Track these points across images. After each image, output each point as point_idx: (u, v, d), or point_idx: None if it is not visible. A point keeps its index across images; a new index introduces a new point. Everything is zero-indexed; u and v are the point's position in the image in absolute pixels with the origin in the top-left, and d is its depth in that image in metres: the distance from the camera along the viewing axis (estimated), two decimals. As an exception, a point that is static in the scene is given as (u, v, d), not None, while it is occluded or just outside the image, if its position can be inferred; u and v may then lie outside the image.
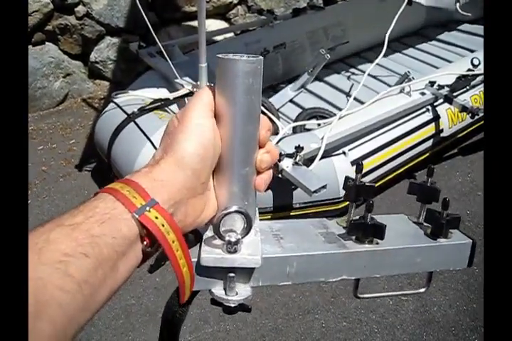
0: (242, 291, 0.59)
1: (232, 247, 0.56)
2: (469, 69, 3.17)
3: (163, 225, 0.50)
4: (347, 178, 0.69)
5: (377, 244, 0.64)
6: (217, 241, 0.58)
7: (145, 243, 0.50)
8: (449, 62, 3.84)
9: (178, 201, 0.53)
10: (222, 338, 2.29)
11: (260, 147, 0.59)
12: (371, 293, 0.73)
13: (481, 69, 3.17)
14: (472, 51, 3.86)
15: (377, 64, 3.29)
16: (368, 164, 2.71)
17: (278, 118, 3.17)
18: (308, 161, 2.40)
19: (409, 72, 3.14)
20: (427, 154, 3.09)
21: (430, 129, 3.02)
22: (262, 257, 0.57)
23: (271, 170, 0.61)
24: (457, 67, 3.27)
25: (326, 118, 3.02)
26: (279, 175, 2.42)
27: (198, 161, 0.54)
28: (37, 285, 0.41)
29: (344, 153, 2.63)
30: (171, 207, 0.52)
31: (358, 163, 0.71)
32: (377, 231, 0.63)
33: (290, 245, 0.62)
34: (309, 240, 0.64)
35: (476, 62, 3.17)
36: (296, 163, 2.33)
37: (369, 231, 0.63)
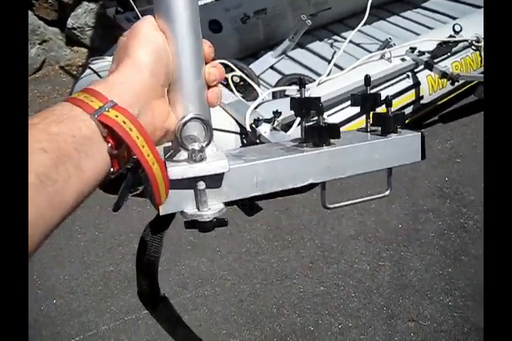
0: (214, 206, 0.60)
1: (197, 155, 0.57)
2: (451, 36, 3.15)
3: (124, 122, 0.49)
4: (291, 98, 0.73)
5: (334, 145, 0.67)
6: (181, 156, 0.59)
7: (110, 144, 0.49)
8: (431, 29, 3.80)
9: (140, 102, 0.53)
10: (201, 303, 2.31)
11: (206, 63, 0.61)
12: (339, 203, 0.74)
13: (462, 36, 3.14)
14: (454, 18, 3.82)
15: (359, 31, 3.26)
16: (347, 130, 2.70)
17: (258, 84, 3.14)
18: (287, 127, 2.39)
19: (390, 38, 3.12)
20: (407, 121, 3.09)
21: (410, 96, 3.00)
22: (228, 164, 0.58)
23: (220, 86, 0.63)
24: (438, 34, 3.24)
25: (306, 84, 2.99)
26: (257, 140, 2.41)
27: (154, 62, 0.55)
28: None
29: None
30: (134, 108, 0.52)
31: (300, 78, 0.78)
32: (333, 130, 0.66)
33: (253, 158, 0.64)
34: (270, 153, 0.66)
35: (457, 28, 3.15)
36: (274, 129, 2.31)
37: (324, 132, 0.66)
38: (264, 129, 2.34)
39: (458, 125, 3.31)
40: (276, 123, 2.30)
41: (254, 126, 2.36)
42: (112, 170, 0.51)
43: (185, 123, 0.58)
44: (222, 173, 0.59)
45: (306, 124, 0.69)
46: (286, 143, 0.72)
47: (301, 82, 0.73)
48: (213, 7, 3.74)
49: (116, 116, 0.49)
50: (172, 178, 0.56)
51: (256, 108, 2.50)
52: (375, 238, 2.55)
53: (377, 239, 2.54)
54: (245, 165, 0.61)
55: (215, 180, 0.59)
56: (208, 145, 0.58)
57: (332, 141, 0.68)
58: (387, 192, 0.77)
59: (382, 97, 0.74)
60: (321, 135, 0.66)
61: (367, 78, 0.78)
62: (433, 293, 2.26)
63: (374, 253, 2.47)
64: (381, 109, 0.75)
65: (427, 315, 2.18)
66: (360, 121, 2.74)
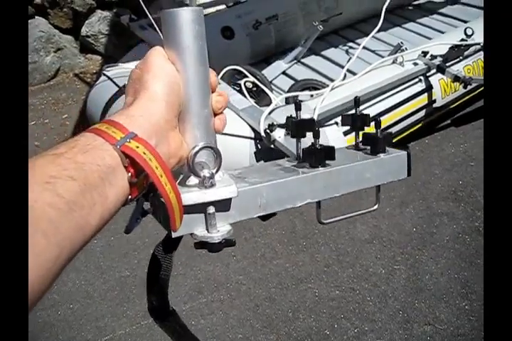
0: (222, 228, 0.62)
1: (208, 181, 0.60)
2: (462, 39, 3.15)
3: (144, 153, 0.52)
4: (287, 117, 0.78)
5: (329, 166, 0.72)
6: (191, 182, 0.61)
7: (130, 174, 0.52)
8: (443, 33, 3.81)
9: (158, 133, 0.56)
10: (217, 308, 2.32)
11: (212, 91, 0.64)
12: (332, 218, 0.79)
13: (474, 39, 3.14)
14: (465, 22, 3.82)
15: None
16: (360, 135, 2.70)
17: (271, 90, 3.16)
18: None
19: (402, 42, 3.12)
20: (420, 125, 3.09)
21: (423, 100, 3.01)
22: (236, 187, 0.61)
23: (225, 113, 0.66)
24: (450, 37, 3.24)
25: (318, 89, 3.00)
26: (272, 146, 2.42)
27: (169, 94, 0.58)
28: (28, 201, 0.42)
29: (337, 123, 2.62)
30: (153, 139, 0.55)
31: (296, 102, 0.78)
32: (328, 153, 0.70)
33: (255, 180, 0.67)
34: (270, 174, 0.70)
35: (469, 32, 3.15)
36: (288, 134, 2.32)
37: (321, 154, 0.70)
38: (278, 134, 2.35)
39: (471, 128, 3.31)
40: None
41: (268, 131, 2.38)
42: (130, 197, 0.54)
43: (196, 153, 0.61)
44: (231, 198, 0.62)
45: (304, 147, 0.73)
46: (283, 162, 0.77)
47: (298, 105, 0.77)
48: (225, 14, 3.77)
49: (137, 147, 0.52)
50: (185, 204, 0.58)
51: (270, 113, 2.51)
52: (389, 242, 2.56)
53: (391, 243, 2.55)
54: (250, 188, 0.65)
55: (223, 204, 0.62)
56: (217, 171, 0.62)
57: (327, 161, 0.72)
58: (376, 207, 0.81)
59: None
60: (317, 157, 0.70)
61: (356, 99, 0.82)
62: (449, 296, 2.26)
63: (389, 257, 2.48)
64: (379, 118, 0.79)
65: (443, 319, 2.17)
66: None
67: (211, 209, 0.61)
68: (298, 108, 0.77)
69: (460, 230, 2.58)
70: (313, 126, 0.74)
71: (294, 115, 0.78)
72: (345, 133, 2.58)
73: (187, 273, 2.45)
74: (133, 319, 2.30)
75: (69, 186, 0.45)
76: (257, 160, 2.52)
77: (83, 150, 0.49)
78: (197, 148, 0.61)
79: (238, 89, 2.95)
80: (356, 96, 0.83)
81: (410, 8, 4.57)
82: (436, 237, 2.56)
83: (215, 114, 0.64)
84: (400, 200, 2.78)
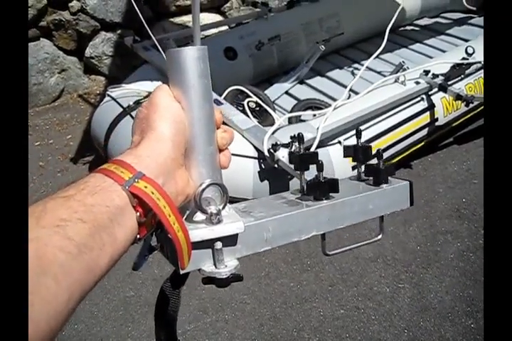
0: (230, 263, 0.63)
1: (215, 218, 0.60)
2: (464, 58, 3.18)
3: (152, 193, 0.52)
4: (290, 153, 0.78)
5: (333, 198, 0.72)
6: (198, 218, 0.62)
7: (138, 213, 0.52)
8: (444, 51, 3.85)
9: (165, 172, 0.57)
10: (221, 328, 2.31)
11: (217, 128, 0.65)
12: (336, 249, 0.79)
13: (475, 58, 3.18)
14: (466, 40, 3.86)
15: (372, 55, 3.30)
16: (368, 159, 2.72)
17: (274, 110, 3.18)
18: (304, 151, 2.41)
19: (403, 62, 3.16)
20: (423, 143, 3.11)
21: (425, 118, 3.03)
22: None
23: (229, 149, 0.67)
24: (452, 56, 3.28)
25: (321, 109, 3.02)
26: (275, 165, 2.44)
27: (175, 134, 0.59)
28: (38, 245, 0.42)
29: (340, 142, 2.64)
30: (160, 178, 0.55)
31: (299, 135, 0.79)
32: (332, 185, 0.71)
33: (261, 214, 0.67)
34: (275, 208, 0.70)
35: (470, 50, 3.18)
36: (291, 153, 2.33)
37: (324, 187, 0.71)
38: (282, 154, 2.37)
39: (474, 146, 3.32)
40: (294, 147, 2.32)
41: (272, 151, 2.39)
42: (138, 236, 0.54)
43: (203, 190, 0.61)
44: (238, 233, 0.63)
45: (308, 180, 0.74)
46: (287, 195, 0.77)
47: (300, 137, 0.78)
48: (228, 35, 3.82)
49: (146, 187, 0.52)
50: (192, 241, 0.59)
51: (273, 133, 2.53)
52: (393, 260, 2.55)
53: (396, 262, 2.54)
54: (256, 223, 0.65)
55: (230, 240, 0.63)
56: (224, 207, 0.63)
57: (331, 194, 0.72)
58: (380, 237, 0.82)
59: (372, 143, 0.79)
60: (321, 190, 0.71)
61: (358, 131, 0.82)
62: (454, 315, 2.25)
63: (393, 275, 2.47)
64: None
65: (448, 338, 2.16)
66: (378, 144, 2.77)
67: (218, 245, 0.61)
68: (300, 141, 0.78)
69: (464, 248, 2.58)
70: (315, 158, 0.74)
71: (295, 148, 0.78)
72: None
73: (191, 293, 2.45)
74: (138, 339, 2.29)
75: (79, 229, 0.46)
76: (261, 180, 2.54)
77: (92, 191, 0.49)
78: (204, 186, 0.62)
79: (241, 109, 2.97)
80: (358, 128, 0.84)
81: (411, 27, 4.62)
82: (440, 255, 2.55)
83: (220, 150, 0.65)
84: (404, 219, 2.79)
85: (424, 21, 4.69)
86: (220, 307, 2.40)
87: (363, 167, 0.80)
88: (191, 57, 0.60)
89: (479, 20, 4.46)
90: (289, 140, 2.36)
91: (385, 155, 2.81)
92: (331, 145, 2.63)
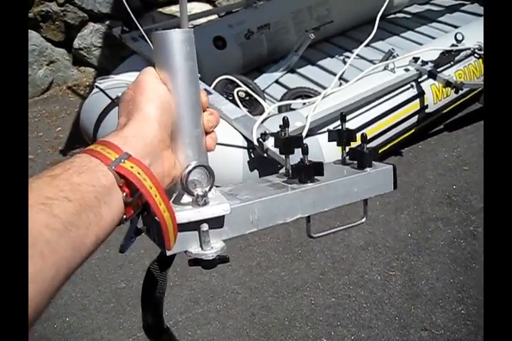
0: (216, 245, 0.63)
1: (202, 200, 0.61)
2: (453, 45, 3.17)
3: (139, 173, 0.53)
4: (276, 137, 0.79)
5: (318, 181, 0.73)
6: (184, 200, 0.62)
7: (125, 193, 0.52)
8: (434, 38, 3.83)
9: (151, 153, 0.57)
10: (213, 318, 2.31)
11: (203, 111, 0.65)
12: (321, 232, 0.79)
13: (464, 45, 3.17)
14: (456, 27, 3.85)
15: (362, 42, 3.29)
16: (352, 143, 2.71)
17: (264, 99, 3.17)
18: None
19: (393, 49, 3.14)
20: (413, 130, 3.10)
21: (415, 105, 3.03)
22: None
23: (215, 132, 0.68)
24: (441, 43, 3.27)
25: (311, 97, 3.01)
26: (265, 155, 2.43)
27: (161, 115, 0.59)
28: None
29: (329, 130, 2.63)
30: (147, 159, 0.56)
31: (284, 119, 0.78)
32: (317, 169, 0.71)
33: (246, 197, 0.68)
34: (261, 191, 0.71)
35: (459, 37, 3.17)
36: (276, 137, 2.32)
37: (309, 170, 0.71)
38: (271, 143, 2.36)
39: (464, 133, 3.32)
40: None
41: (261, 140, 2.38)
42: (125, 216, 0.54)
43: (189, 172, 0.62)
44: (224, 215, 0.63)
45: (293, 164, 0.74)
46: (273, 178, 0.77)
47: (285, 121, 0.77)
48: (217, 24, 3.79)
49: (132, 167, 0.53)
50: (179, 222, 0.59)
51: (262, 122, 2.52)
52: (384, 248, 2.56)
53: (387, 249, 2.55)
54: (242, 205, 0.66)
55: (216, 222, 0.63)
56: (210, 189, 0.63)
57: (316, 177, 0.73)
58: (364, 220, 0.82)
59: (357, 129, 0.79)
60: (306, 173, 0.71)
61: (343, 115, 0.83)
62: (445, 301, 2.26)
63: (384, 263, 2.47)
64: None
65: (439, 324, 2.17)
66: (368, 132, 2.75)
67: (205, 227, 0.62)
68: (286, 124, 0.77)
69: (455, 235, 2.58)
70: (300, 142, 0.75)
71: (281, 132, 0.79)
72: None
73: (183, 284, 2.45)
74: (129, 331, 2.29)
75: (65, 207, 0.46)
76: (251, 170, 2.53)
77: (79, 171, 0.50)
78: (190, 167, 0.62)
79: (231, 98, 2.96)
80: (342, 112, 0.84)
81: (401, 14, 4.60)
82: (431, 242, 2.56)
83: (207, 133, 0.66)
84: (395, 206, 2.78)
85: (414, 8, 4.66)
86: (211, 297, 2.40)
87: (347, 150, 0.81)
88: (177, 40, 0.60)
89: (470, 7, 4.44)
90: (279, 129, 2.34)
91: (375, 142, 2.82)
92: (320, 133, 2.62)
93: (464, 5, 4.55)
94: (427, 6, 4.70)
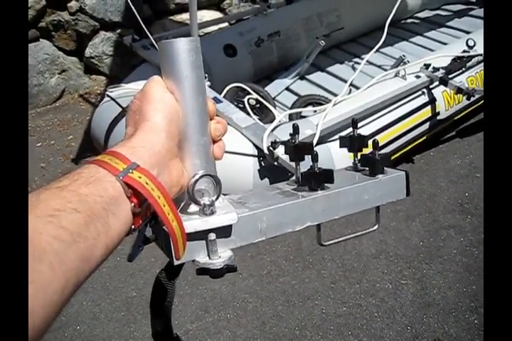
0: (224, 254, 0.63)
1: (208, 209, 0.60)
2: (465, 51, 3.15)
3: (147, 183, 0.53)
4: (285, 144, 0.77)
5: (328, 188, 0.72)
6: (192, 209, 0.62)
7: (133, 204, 0.52)
8: (445, 44, 3.81)
9: (159, 162, 0.57)
10: (224, 327, 2.30)
11: (210, 119, 0.65)
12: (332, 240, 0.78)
13: (476, 51, 3.14)
14: (468, 32, 3.83)
15: (372, 49, 3.28)
16: (364, 149, 2.70)
17: (274, 106, 3.17)
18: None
19: (404, 55, 3.13)
20: (424, 137, 3.08)
21: (426, 112, 3.01)
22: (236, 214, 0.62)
23: (223, 140, 0.67)
24: (452, 49, 3.25)
25: (322, 104, 3.01)
26: (275, 163, 2.42)
27: (169, 124, 0.59)
28: (33, 234, 0.42)
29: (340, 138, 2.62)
30: (154, 169, 0.55)
31: (293, 125, 0.77)
32: (327, 176, 0.71)
33: (255, 205, 0.67)
34: (270, 198, 0.70)
35: (471, 43, 3.15)
36: (286, 144, 2.31)
37: (319, 177, 0.70)
38: (281, 151, 2.35)
39: (476, 140, 3.29)
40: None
41: (271, 148, 2.38)
42: (133, 226, 0.54)
43: (196, 181, 0.61)
44: (232, 224, 0.63)
45: (302, 171, 0.73)
46: (282, 186, 0.76)
47: (295, 128, 0.77)
48: (228, 32, 3.80)
49: (140, 177, 0.52)
50: (186, 232, 0.59)
51: (273, 130, 2.52)
52: (396, 256, 2.54)
53: (398, 258, 2.53)
54: (250, 213, 0.65)
55: (224, 231, 0.63)
56: (217, 198, 0.62)
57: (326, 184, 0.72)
58: (376, 227, 0.81)
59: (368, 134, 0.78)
60: (316, 180, 0.70)
61: (354, 121, 0.82)
62: (458, 311, 2.23)
63: (396, 271, 2.45)
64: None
65: (452, 334, 2.14)
66: (379, 139, 2.73)
67: (212, 236, 0.61)
68: (296, 131, 0.77)
69: (467, 243, 2.56)
70: (310, 149, 0.74)
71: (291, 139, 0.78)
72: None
73: (193, 293, 2.44)
74: (140, 340, 2.29)
75: (73, 218, 0.46)
76: (261, 178, 2.52)
77: (86, 182, 0.49)
78: (197, 177, 0.61)
79: (242, 106, 2.96)
80: (353, 118, 0.83)
81: (411, 20, 4.58)
82: (443, 251, 2.53)
83: (214, 141, 0.65)
84: (406, 214, 2.77)
85: (425, 14, 4.65)
86: (221, 306, 2.39)
87: (358, 157, 0.80)
88: (183, 49, 0.60)
89: (480, 11, 4.42)
90: (289, 137, 2.33)
91: (387, 150, 2.80)
92: (331, 141, 2.61)
93: (474, 9, 4.53)
94: (438, 11, 4.69)
